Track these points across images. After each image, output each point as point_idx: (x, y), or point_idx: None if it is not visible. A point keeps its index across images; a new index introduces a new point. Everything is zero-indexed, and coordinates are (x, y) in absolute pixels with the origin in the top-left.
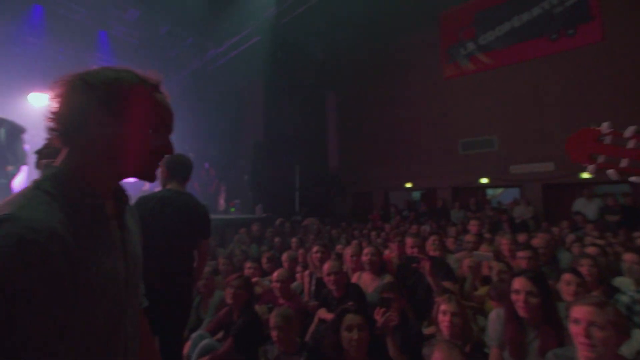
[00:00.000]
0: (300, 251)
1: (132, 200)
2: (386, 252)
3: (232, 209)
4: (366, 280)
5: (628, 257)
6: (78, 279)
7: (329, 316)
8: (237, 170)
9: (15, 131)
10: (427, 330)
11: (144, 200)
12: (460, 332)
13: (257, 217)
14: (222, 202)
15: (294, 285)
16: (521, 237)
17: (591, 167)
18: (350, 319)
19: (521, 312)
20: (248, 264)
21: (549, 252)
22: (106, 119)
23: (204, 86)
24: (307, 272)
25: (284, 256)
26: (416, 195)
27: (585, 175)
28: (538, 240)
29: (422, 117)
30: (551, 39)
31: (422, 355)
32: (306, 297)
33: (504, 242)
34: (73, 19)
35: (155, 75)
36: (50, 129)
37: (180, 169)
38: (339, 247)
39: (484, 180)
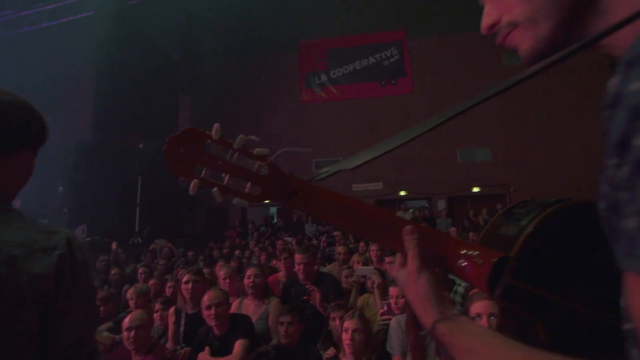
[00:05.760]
0: (152, 282)
1: None
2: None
3: None
4: (249, 308)
5: None
6: None
7: None
8: (46, 179)
9: None
10: (328, 353)
11: None
12: (363, 348)
13: None
14: None
15: (152, 329)
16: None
17: (193, 182)
18: None
19: None
20: None
21: None
22: None
23: None
24: (171, 310)
25: (129, 292)
26: (273, 210)
27: (402, 193)
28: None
29: (281, 135)
30: (381, 84)
31: None
32: (170, 344)
33: (373, 248)
34: None
35: None
36: None
37: None
38: (218, 266)
39: None
